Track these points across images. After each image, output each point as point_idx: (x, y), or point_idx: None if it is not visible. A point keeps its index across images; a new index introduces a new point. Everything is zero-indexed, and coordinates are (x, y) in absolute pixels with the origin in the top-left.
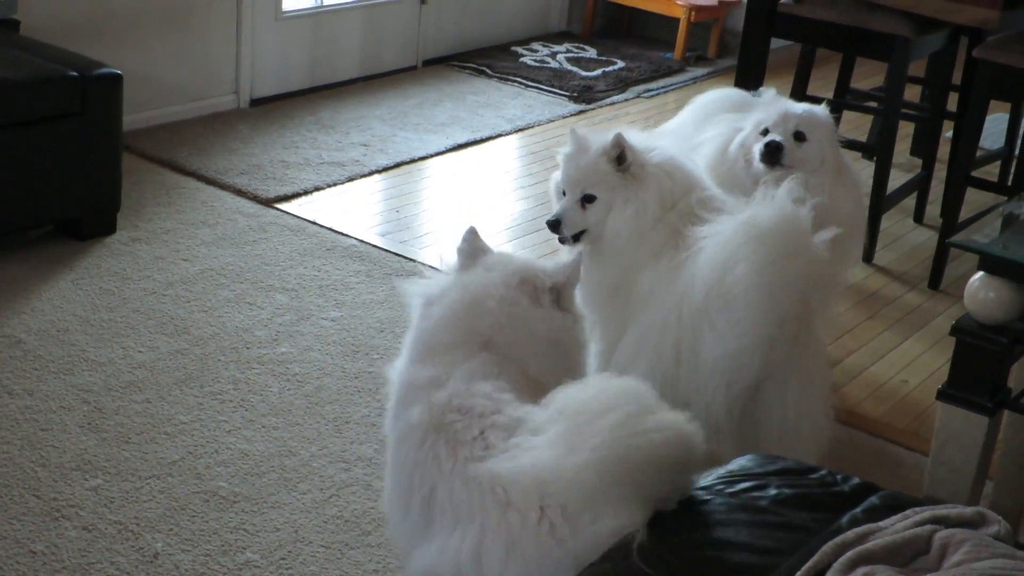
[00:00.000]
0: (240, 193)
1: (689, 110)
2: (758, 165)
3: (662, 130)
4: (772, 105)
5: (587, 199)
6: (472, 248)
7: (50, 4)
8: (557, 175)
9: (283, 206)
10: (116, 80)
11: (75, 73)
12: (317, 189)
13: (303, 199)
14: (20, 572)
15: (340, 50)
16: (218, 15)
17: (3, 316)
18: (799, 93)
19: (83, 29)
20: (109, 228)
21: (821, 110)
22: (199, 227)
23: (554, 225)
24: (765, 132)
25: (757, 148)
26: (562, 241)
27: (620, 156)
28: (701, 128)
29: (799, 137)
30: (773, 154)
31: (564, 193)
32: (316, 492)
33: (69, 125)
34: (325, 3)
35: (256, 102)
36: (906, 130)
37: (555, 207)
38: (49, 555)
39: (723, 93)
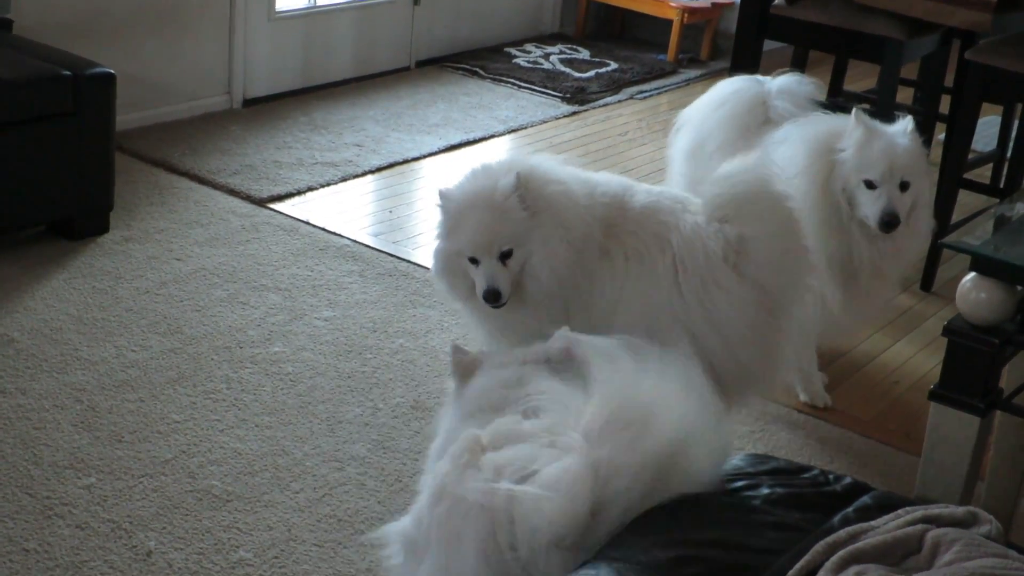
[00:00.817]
0: (233, 193)
1: (708, 105)
2: (873, 227)
3: (682, 120)
4: (869, 141)
5: (505, 256)
6: (463, 369)
7: (43, 4)
8: (442, 244)
9: (276, 206)
10: (109, 80)
11: (68, 73)
12: (310, 189)
13: (296, 199)
14: (13, 570)
15: (333, 51)
16: (211, 15)
17: None
18: None
19: (76, 29)
20: (102, 228)
21: (912, 142)
22: (192, 227)
23: (494, 297)
24: (869, 184)
25: (872, 214)
26: (497, 307)
27: (520, 196)
28: (723, 128)
29: (904, 187)
30: (890, 225)
31: (473, 260)
32: (309, 491)
33: (62, 125)
34: (318, 3)
35: (249, 102)
36: None
37: (454, 279)
38: (42, 553)
39: (739, 86)
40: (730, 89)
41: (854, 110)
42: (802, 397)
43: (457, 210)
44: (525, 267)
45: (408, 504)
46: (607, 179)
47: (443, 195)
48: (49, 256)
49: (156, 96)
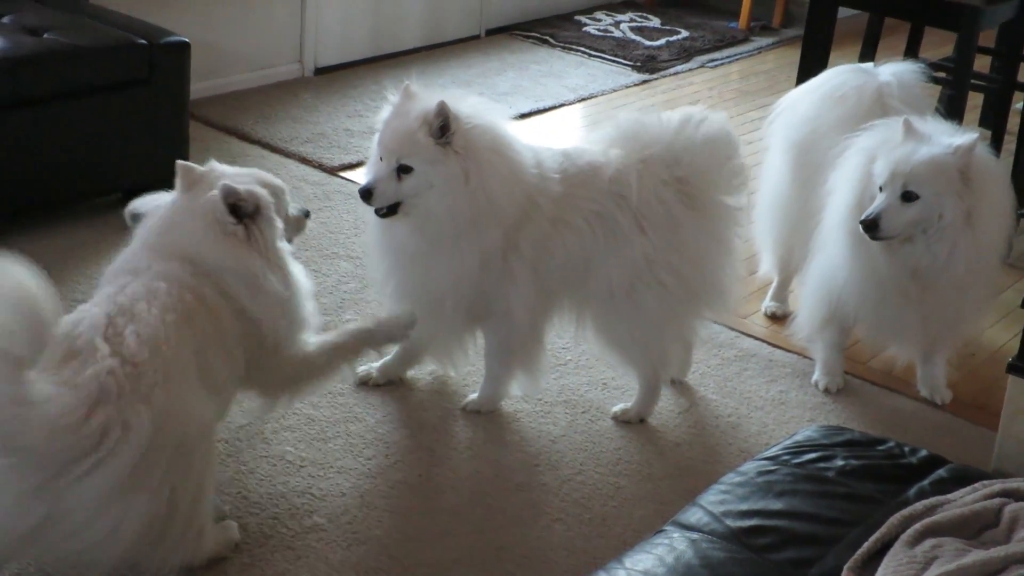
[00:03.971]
0: (305, 161)
1: (822, 97)
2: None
3: (784, 105)
4: (894, 148)
5: (403, 170)
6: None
7: None
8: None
9: (347, 174)
10: (184, 48)
11: (143, 41)
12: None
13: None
14: None
15: (403, 19)
16: None
17: (73, 281)
18: (868, 60)
19: None
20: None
21: (945, 155)
22: None
23: (365, 194)
24: (881, 190)
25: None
26: (378, 213)
27: (444, 126)
28: (822, 122)
29: (908, 197)
30: (869, 230)
31: (380, 158)
32: (381, 457)
33: (137, 92)
34: None
35: (320, 71)
36: (975, 101)
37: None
38: None
39: (856, 81)
40: (846, 83)
41: (904, 119)
42: (924, 392)
43: (391, 112)
44: (422, 196)
45: (479, 471)
46: (551, 153)
47: (404, 89)
48: (124, 223)
49: (229, 64)
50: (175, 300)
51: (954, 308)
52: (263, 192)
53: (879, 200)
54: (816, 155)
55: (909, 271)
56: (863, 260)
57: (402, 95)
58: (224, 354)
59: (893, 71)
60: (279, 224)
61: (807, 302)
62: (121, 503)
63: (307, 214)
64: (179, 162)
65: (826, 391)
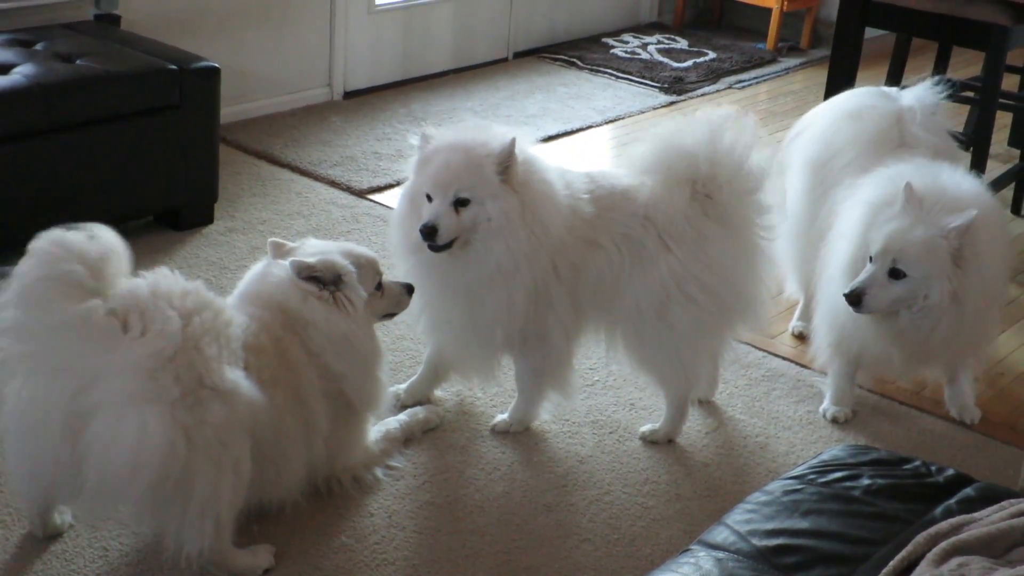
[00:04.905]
0: (334, 184)
1: (839, 117)
2: None
3: (803, 125)
4: (891, 218)
5: (460, 203)
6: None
7: None
8: (412, 179)
9: (376, 197)
10: (214, 73)
11: (174, 66)
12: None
13: (395, 190)
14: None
15: (432, 43)
16: (312, 8)
17: None
18: (894, 81)
19: (182, 23)
20: (207, 218)
21: (938, 237)
22: (294, 218)
23: (431, 232)
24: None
25: None
26: (434, 248)
27: (503, 162)
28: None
29: (896, 274)
30: (853, 303)
31: (429, 199)
32: (409, 478)
33: (168, 117)
34: None
35: (349, 94)
36: (1004, 120)
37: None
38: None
39: (872, 101)
40: (864, 103)
41: (905, 184)
42: (952, 412)
43: (433, 150)
44: (479, 231)
45: (507, 492)
46: (577, 175)
47: (424, 135)
48: (156, 246)
49: (259, 89)
50: (249, 333)
51: (952, 356)
52: (344, 263)
53: (866, 272)
54: (832, 175)
55: (897, 336)
56: (855, 316)
57: (423, 139)
58: (294, 395)
59: (914, 96)
60: (363, 293)
61: (818, 332)
62: (141, 414)
63: (410, 290)
64: (270, 240)
65: (834, 421)
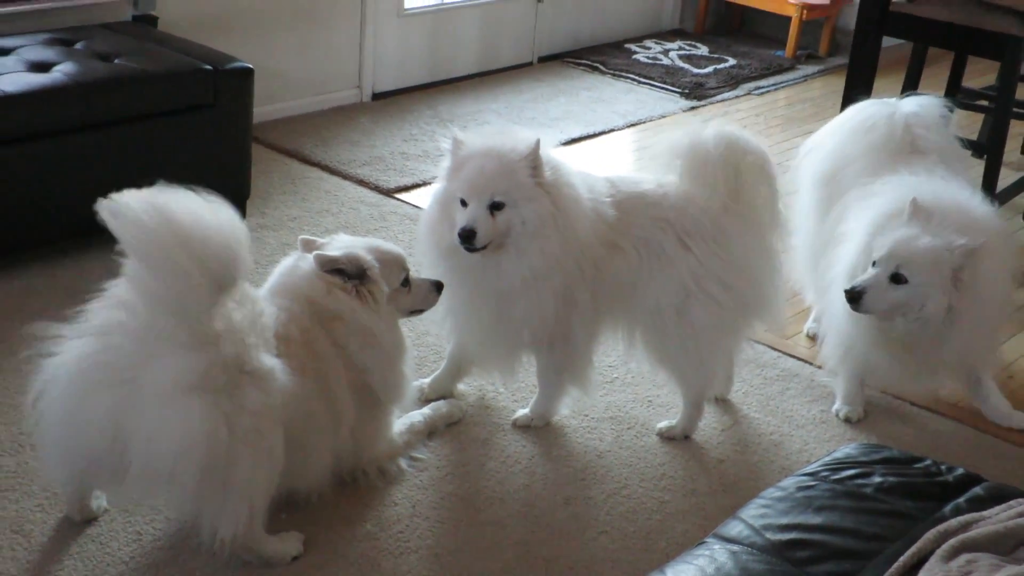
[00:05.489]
0: (362, 183)
1: (848, 132)
2: None
3: (811, 145)
4: (896, 228)
5: (495, 206)
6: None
7: (186, 1)
8: (444, 184)
9: (403, 196)
10: (247, 73)
11: (209, 66)
12: (436, 179)
13: (422, 190)
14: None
15: (459, 46)
16: (343, 12)
17: None
18: (910, 89)
19: (216, 24)
20: (239, 214)
21: (944, 250)
22: (323, 215)
23: (470, 235)
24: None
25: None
26: (471, 250)
27: (535, 165)
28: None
29: (897, 279)
30: (852, 301)
31: (464, 204)
32: (432, 470)
33: (202, 116)
34: (445, 1)
35: (378, 96)
36: (1017, 129)
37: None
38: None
39: (876, 112)
40: (870, 115)
41: (911, 200)
42: (996, 421)
43: (466, 155)
44: (513, 234)
45: (527, 485)
46: (598, 179)
47: (456, 140)
48: None
49: (291, 89)
50: (280, 324)
51: (944, 372)
52: (368, 257)
53: (869, 273)
54: (844, 183)
55: (892, 343)
56: (856, 319)
57: (455, 145)
58: (321, 384)
59: (918, 102)
60: (385, 288)
61: (828, 337)
62: (188, 402)
63: (439, 287)
64: (300, 237)
65: (847, 420)
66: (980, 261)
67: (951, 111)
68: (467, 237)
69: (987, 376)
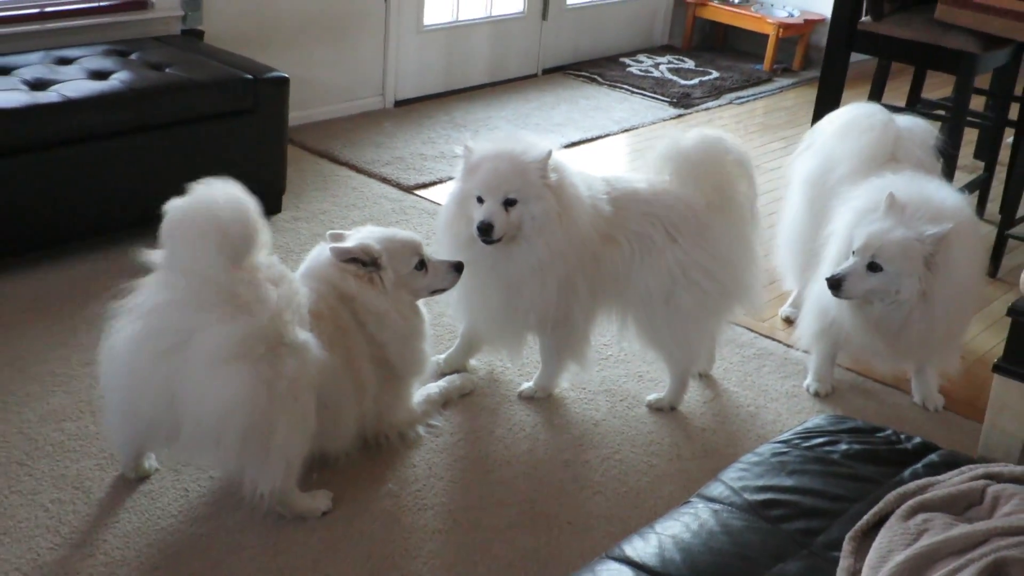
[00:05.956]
0: (385, 181)
1: (842, 130)
2: None
3: (810, 138)
4: (873, 220)
5: (509, 203)
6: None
7: (229, 17)
8: (460, 185)
9: (422, 192)
10: (283, 82)
11: (249, 76)
12: (451, 179)
13: (439, 187)
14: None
15: (471, 59)
16: (368, 28)
17: None
18: (875, 100)
19: (256, 39)
20: (276, 208)
21: (915, 240)
22: (351, 209)
23: (487, 228)
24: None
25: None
26: (487, 242)
27: (544, 168)
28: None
29: (873, 267)
30: (832, 287)
31: (480, 201)
32: (447, 436)
33: (243, 120)
34: (460, 19)
35: (399, 103)
36: (971, 136)
37: (476, 215)
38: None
39: (859, 118)
40: (867, 118)
41: (888, 193)
42: (916, 399)
43: (479, 158)
44: (523, 228)
45: (531, 449)
46: (595, 178)
47: (467, 147)
48: None
49: (322, 96)
50: (311, 302)
51: (923, 352)
52: (376, 247)
53: (848, 262)
54: (829, 185)
55: (872, 325)
56: (837, 303)
57: (467, 152)
58: (346, 357)
59: (913, 120)
60: (392, 274)
61: (806, 317)
62: (232, 370)
63: (458, 267)
64: (329, 232)
65: (816, 395)
66: (950, 246)
67: (938, 138)
68: (485, 230)
69: (933, 370)
